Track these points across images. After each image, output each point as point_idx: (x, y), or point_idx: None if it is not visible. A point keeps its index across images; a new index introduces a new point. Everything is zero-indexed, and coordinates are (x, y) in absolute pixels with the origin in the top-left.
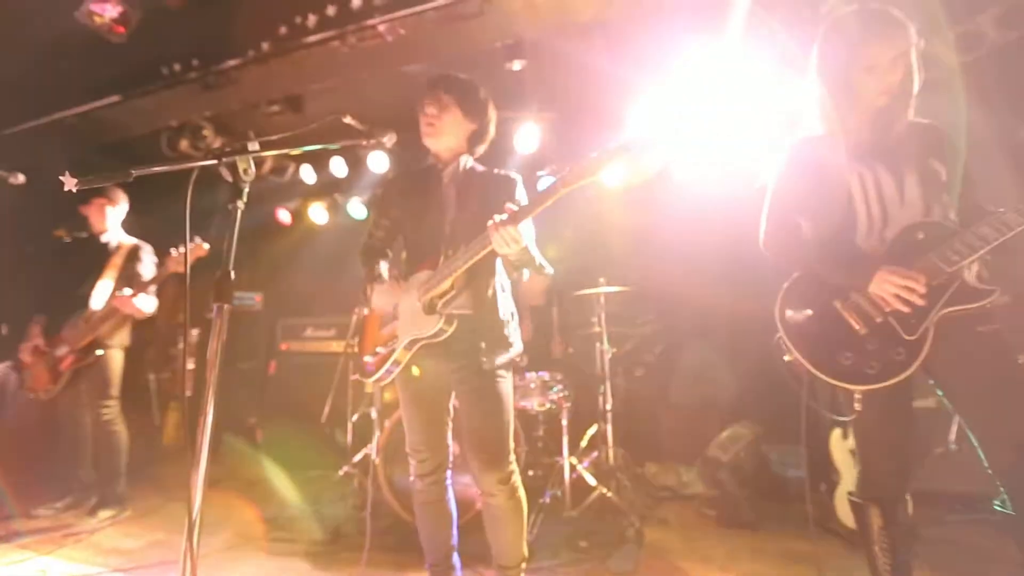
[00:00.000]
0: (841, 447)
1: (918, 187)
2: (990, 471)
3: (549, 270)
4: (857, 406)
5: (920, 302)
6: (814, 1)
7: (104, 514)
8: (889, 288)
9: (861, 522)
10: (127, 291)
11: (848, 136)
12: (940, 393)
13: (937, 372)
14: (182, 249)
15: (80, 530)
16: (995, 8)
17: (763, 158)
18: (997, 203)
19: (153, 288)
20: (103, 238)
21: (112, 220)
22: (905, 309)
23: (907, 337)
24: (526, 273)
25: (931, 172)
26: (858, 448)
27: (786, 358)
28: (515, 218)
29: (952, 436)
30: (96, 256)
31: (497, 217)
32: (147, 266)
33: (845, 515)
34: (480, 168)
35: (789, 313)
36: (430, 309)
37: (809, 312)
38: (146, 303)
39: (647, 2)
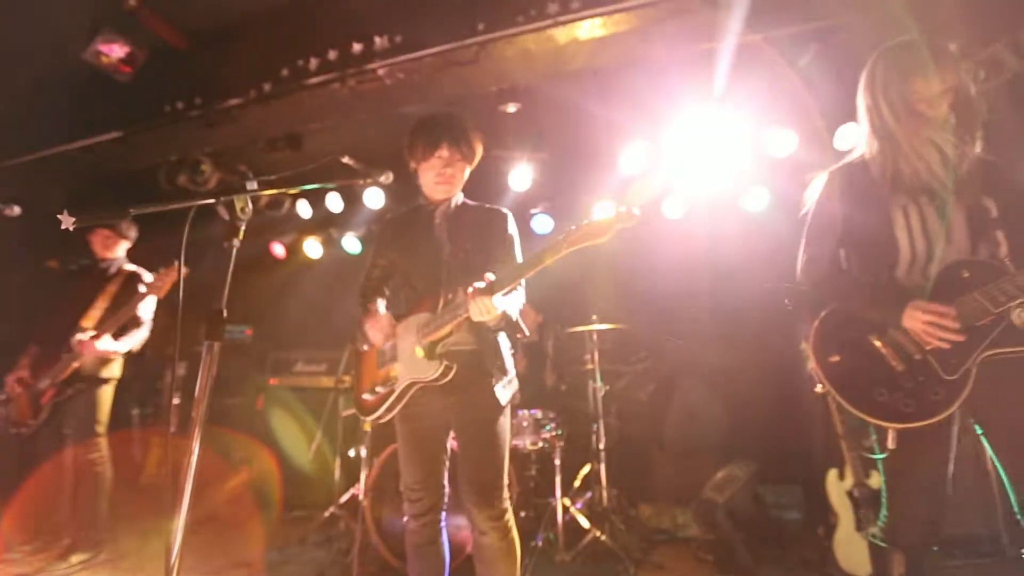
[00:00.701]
0: (838, 488)
1: (966, 224)
2: (1020, 516)
3: (526, 333)
4: (891, 444)
5: (954, 337)
6: (793, 54)
7: (77, 558)
8: (917, 323)
9: (880, 568)
10: (88, 335)
11: (894, 168)
12: (979, 431)
13: (979, 412)
14: (160, 272)
15: (50, 575)
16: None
17: (749, 200)
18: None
19: (146, 324)
20: (103, 264)
21: (120, 250)
22: (944, 346)
23: (947, 377)
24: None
25: (981, 209)
26: (888, 489)
27: (818, 388)
28: (490, 289)
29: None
30: (95, 283)
31: (475, 285)
32: (147, 306)
33: (844, 559)
34: (471, 203)
35: (823, 346)
36: (430, 353)
37: (845, 346)
38: (110, 345)
39: (636, 51)
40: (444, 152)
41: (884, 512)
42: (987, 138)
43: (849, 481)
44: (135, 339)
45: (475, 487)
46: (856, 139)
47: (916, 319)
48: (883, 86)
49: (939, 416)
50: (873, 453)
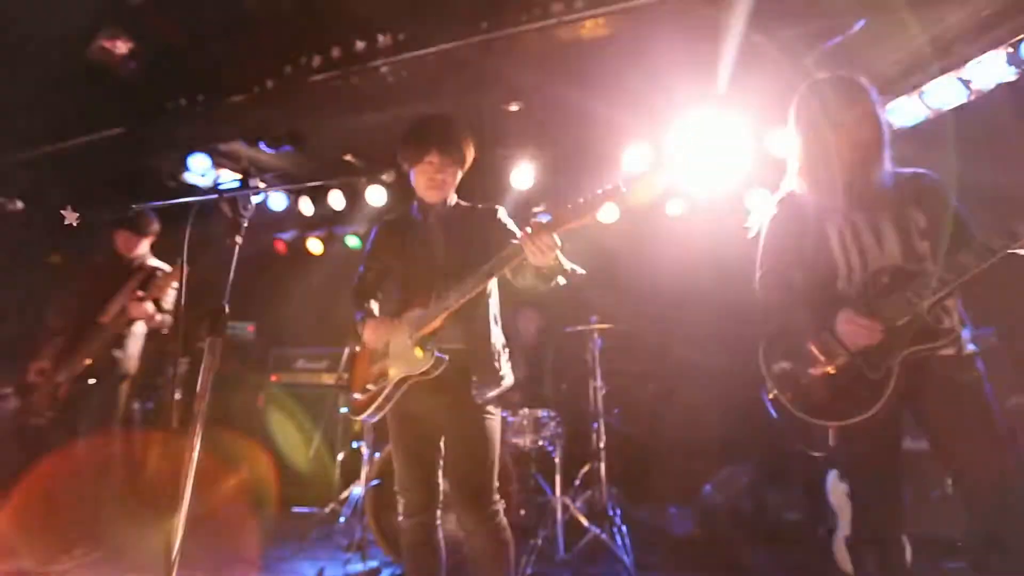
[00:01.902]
0: (838, 490)
1: (895, 234)
2: (970, 513)
3: (580, 271)
4: (831, 441)
5: (874, 340)
6: (795, 55)
7: (79, 552)
8: (845, 327)
9: (859, 567)
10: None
11: (825, 189)
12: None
13: (920, 416)
14: (175, 267)
15: (51, 570)
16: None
17: (751, 200)
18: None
19: (167, 312)
20: (126, 259)
21: (142, 248)
22: (870, 342)
23: (871, 376)
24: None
25: (908, 219)
26: (850, 488)
27: (769, 395)
28: (552, 226)
29: (949, 480)
30: (118, 277)
31: (529, 229)
32: (168, 297)
33: (844, 560)
34: (464, 204)
35: (770, 353)
36: (421, 347)
37: (787, 354)
38: (159, 311)
39: (638, 51)
40: (434, 158)
41: (851, 511)
42: (989, 156)
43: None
44: (164, 320)
45: (462, 487)
46: (791, 166)
47: (844, 324)
48: (808, 114)
49: (866, 414)
50: (816, 451)
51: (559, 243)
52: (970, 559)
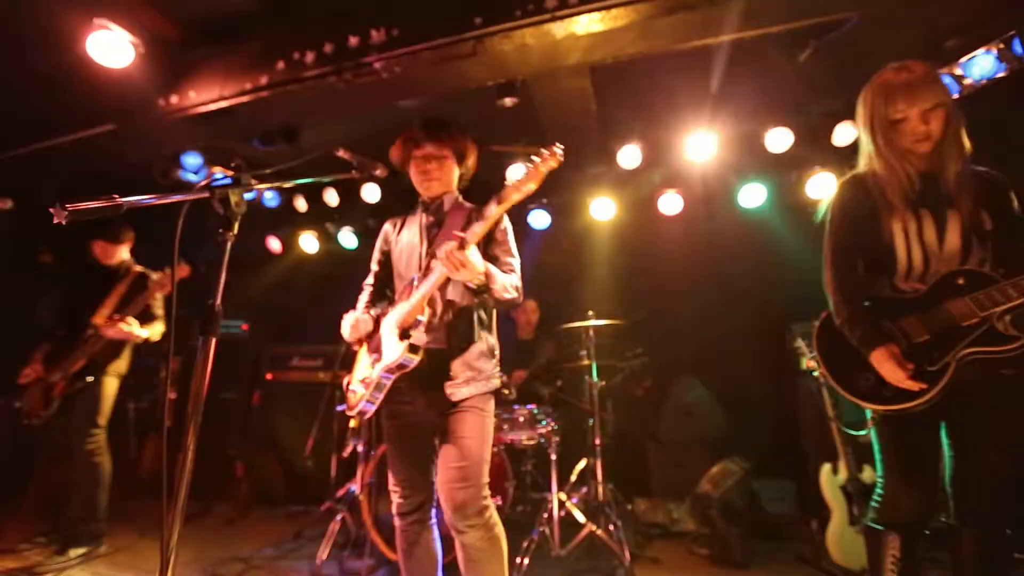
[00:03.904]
0: (832, 483)
1: (958, 235)
2: (952, 501)
3: (511, 295)
4: (872, 424)
5: (906, 384)
6: (791, 50)
7: (75, 552)
8: (881, 361)
9: (874, 551)
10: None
11: (896, 181)
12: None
13: (951, 409)
14: (165, 271)
15: (47, 569)
16: None
17: (750, 195)
18: None
19: (159, 319)
20: (111, 266)
21: (120, 255)
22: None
23: (928, 368)
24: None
25: (975, 221)
26: (880, 470)
27: (811, 367)
28: (463, 242)
29: None
30: (105, 282)
31: (445, 246)
32: (157, 302)
33: (838, 554)
34: (466, 204)
35: (824, 335)
36: (401, 338)
37: (839, 336)
38: (138, 329)
39: (633, 46)
40: (423, 148)
41: (879, 491)
42: (989, 150)
43: (843, 476)
44: (153, 330)
45: (449, 488)
46: (860, 150)
47: (879, 360)
48: (871, 109)
49: (915, 403)
50: (855, 431)
51: (473, 261)
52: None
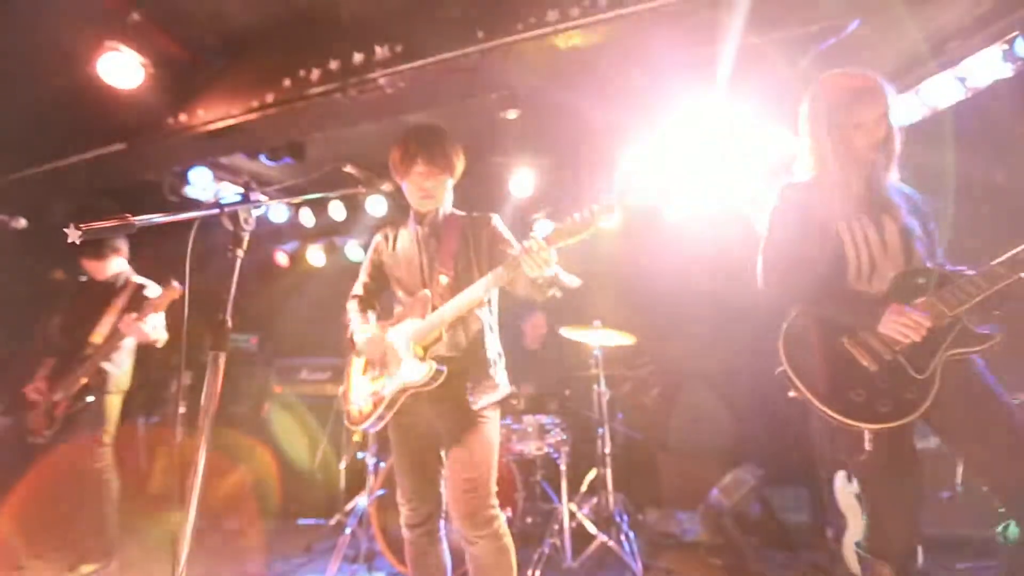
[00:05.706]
0: (846, 491)
1: (898, 237)
2: (1003, 510)
3: (575, 282)
4: (868, 446)
5: (918, 337)
6: (792, 57)
7: (86, 569)
8: (897, 326)
9: None
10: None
11: (838, 187)
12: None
13: (934, 415)
14: (165, 289)
15: None
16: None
17: (753, 201)
18: (980, 248)
19: (161, 320)
20: (109, 280)
21: (113, 268)
22: (917, 339)
23: (918, 376)
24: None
25: (909, 226)
26: (865, 497)
27: (791, 394)
28: (550, 240)
29: (959, 479)
30: (104, 296)
31: (527, 243)
32: (157, 319)
33: (853, 563)
34: (459, 214)
35: (793, 350)
36: (420, 358)
37: (814, 349)
38: (154, 329)
39: (634, 55)
40: (420, 167)
41: (865, 521)
42: (992, 152)
43: (856, 484)
44: (158, 335)
45: (459, 497)
46: (804, 160)
47: (898, 322)
48: (828, 113)
49: (914, 415)
50: (849, 458)
51: (555, 257)
52: (1004, 560)
